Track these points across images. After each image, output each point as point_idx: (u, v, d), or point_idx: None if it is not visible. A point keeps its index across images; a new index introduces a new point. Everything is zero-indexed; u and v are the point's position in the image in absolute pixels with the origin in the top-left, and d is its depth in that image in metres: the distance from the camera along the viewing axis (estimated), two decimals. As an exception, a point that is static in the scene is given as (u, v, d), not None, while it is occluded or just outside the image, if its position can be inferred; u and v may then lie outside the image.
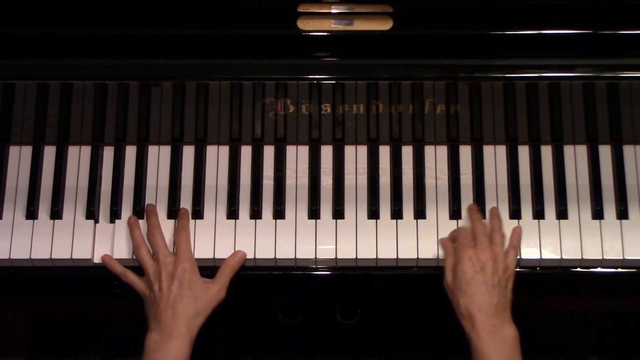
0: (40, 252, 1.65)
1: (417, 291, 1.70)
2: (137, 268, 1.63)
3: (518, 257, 1.63)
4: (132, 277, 1.62)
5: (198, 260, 1.62)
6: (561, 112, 1.68)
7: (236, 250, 1.64)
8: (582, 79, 1.62)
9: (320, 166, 1.71)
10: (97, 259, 1.65)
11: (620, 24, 1.59)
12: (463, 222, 1.67)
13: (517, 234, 1.64)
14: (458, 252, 1.58)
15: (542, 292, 1.66)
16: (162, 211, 1.68)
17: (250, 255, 1.65)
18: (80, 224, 1.67)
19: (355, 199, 1.69)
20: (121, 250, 1.66)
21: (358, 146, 1.72)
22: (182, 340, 1.53)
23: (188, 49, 1.59)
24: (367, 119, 1.69)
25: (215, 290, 1.60)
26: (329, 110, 1.68)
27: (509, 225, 1.66)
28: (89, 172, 1.70)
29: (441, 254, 1.63)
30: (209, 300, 1.58)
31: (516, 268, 1.61)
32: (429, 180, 1.70)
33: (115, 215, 1.68)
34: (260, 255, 1.65)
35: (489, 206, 1.67)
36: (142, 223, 1.67)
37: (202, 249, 1.65)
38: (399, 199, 1.68)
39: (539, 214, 1.67)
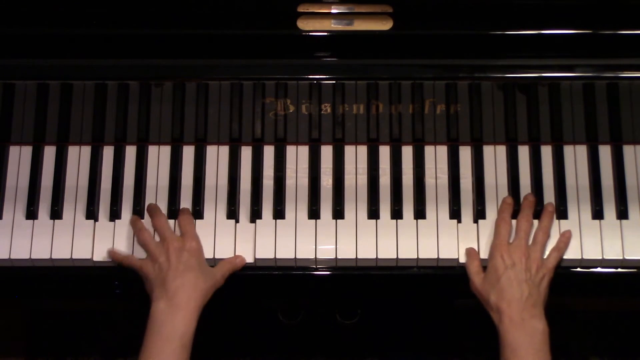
0: (40, 252, 1.65)
1: (417, 291, 1.70)
2: (137, 268, 1.63)
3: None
4: (134, 260, 1.60)
5: (198, 260, 1.63)
6: (561, 112, 1.68)
7: (236, 254, 1.64)
8: (582, 79, 1.62)
9: (320, 166, 1.71)
10: (97, 259, 1.65)
11: (620, 24, 1.59)
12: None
13: (565, 237, 1.64)
14: (492, 249, 1.60)
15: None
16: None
17: (250, 255, 1.65)
18: (80, 223, 1.67)
19: (355, 199, 1.69)
20: (121, 250, 1.65)
21: (358, 146, 1.72)
22: (190, 314, 1.50)
23: (188, 49, 1.59)
24: (367, 119, 1.69)
25: (219, 275, 1.59)
26: (329, 110, 1.68)
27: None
28: (89, 172, 1.70)
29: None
30: (213, 283, 1.57)
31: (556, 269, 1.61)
32: (429, 180, 1.70)
33: (115, 215, 1.68)
34: (260, 255, 1.65)
35: (489, 206, 1.67)
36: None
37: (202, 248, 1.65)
38: (399, 199, 1.68)
39: (538, 214, 1.67)
